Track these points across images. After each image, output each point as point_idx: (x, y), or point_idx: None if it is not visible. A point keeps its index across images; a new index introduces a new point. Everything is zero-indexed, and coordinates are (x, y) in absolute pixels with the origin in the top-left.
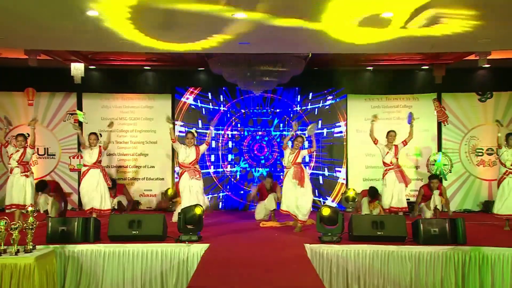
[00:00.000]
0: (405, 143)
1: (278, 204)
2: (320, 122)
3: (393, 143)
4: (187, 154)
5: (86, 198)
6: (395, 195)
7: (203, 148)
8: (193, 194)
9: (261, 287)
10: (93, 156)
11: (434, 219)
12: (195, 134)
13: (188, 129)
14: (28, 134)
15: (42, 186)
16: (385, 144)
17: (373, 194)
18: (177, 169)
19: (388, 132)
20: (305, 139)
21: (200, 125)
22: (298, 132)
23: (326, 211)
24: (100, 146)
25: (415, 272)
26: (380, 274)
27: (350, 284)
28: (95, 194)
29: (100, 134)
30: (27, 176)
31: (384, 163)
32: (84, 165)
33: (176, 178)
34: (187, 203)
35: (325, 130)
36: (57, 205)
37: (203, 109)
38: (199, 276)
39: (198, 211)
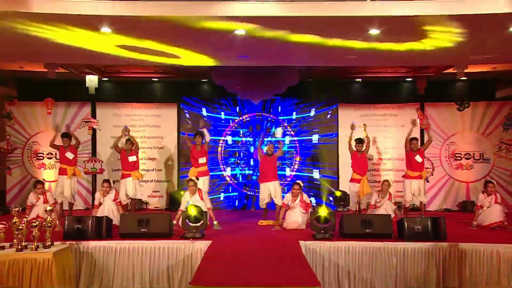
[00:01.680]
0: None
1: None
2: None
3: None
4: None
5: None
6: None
7: (205, 188)
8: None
9: (259, 279)
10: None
11: (417, 217)
12: (197, 183)
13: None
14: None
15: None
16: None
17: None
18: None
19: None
20: (302, 186)
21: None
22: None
23: (324, 212)
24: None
25: (400, 266)
26: (368, 268)
27: (340, 277)
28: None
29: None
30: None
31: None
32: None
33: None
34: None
35: (317, 136)
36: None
37: (206, 117)
38: (203, 270)
39: (189, 211)
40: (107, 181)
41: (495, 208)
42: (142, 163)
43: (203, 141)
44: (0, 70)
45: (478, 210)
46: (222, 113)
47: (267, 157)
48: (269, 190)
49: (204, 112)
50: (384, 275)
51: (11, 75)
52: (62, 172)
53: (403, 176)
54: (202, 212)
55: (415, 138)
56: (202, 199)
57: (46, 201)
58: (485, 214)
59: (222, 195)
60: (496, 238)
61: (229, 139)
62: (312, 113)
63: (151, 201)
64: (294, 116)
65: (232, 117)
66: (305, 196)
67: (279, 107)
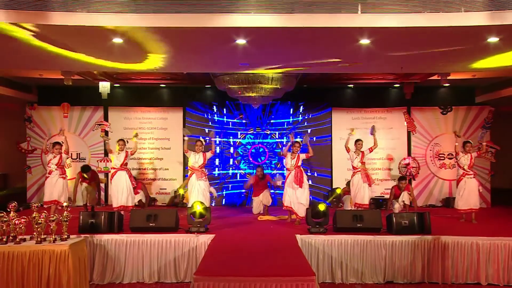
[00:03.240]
0: (370, 150)
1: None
2: (309, 130)
3: (360, 150)
4: (196, 159)
5: (115, 197)
6: (360, 193)
7: (209, 155)
8: (199, 192)
9: (259, 270)
10: (120, 159)
11: (404, 213)
12: (203, 142)
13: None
14: (62, 142)
15: (86, 169)
16: (353, 151)
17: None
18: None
19: (356, 141)
20: (301, 144)
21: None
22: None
23: (322, 207)
24: (127, 151)
25: (389, 257)
26: (359, 259)
27: (334, 268)
28: (122, 193)
29: (127, 141)
30: (63, 178)
31: (353, 167)
32: (112, 168)
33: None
34: (194, 200)
35: (314, 138)
36: (93, 193)
37: (209, 120)
38: (207, 261)
39: (194, 207)
40: (122, 140)
41: (474, 194)
42: (150, 162)
43: (208, 148)
44: (23, 78)
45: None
46: (225, 116)
47: (259, 180)
48: (260, 200)
49: (206, 115)
50: (374, 265)
51: (32, 82)
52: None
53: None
54: (206, 208)
55: (359, 140)
56: (204, 159)
57: (61, 160)
58: (463, 197)
59: (224, 192)
60: (475, 231)
61: (231, 140)
62: (308, 116)
63: (158, 198)
64: (291, 119)
65: (234, 120)
66: (302, 155)
67: (278, 111)
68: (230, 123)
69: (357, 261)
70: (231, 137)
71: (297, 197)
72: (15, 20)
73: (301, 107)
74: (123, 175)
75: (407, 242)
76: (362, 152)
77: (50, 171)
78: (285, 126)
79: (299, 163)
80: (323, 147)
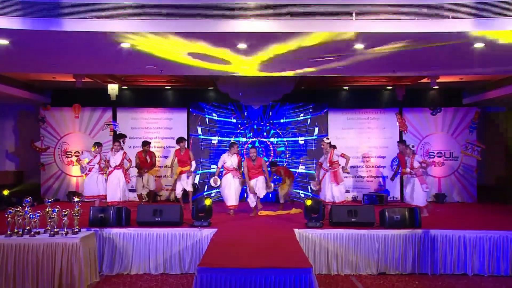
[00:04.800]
0: (342, 155)
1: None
2: (317, 129)
3: (327, 150)
4: (231, 162)
5: (109, 194)
6: (328, 192)
7: (238, 158)
8: (233, 189)
9: (259, 261)
10: (116, 160)
11: (396, 208)
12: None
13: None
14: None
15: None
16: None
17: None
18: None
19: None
20: (330, 143)
21: (209, 133)
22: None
23: (308, 202)
24: (124, 152)
25: (382, 250)
26: (354, 252)
27: (330, 260)
28: (116, 190)
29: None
30: (102, 174)
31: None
32: (110, 167)
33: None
34: (228, 195)
35: (303, 138)
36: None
37: (212, 120)
38: (210, 253)
39: (207, 202)
40: (118, 141)
41: (419, 192)
42: (157, 160)
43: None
44: (37, 81)
45: (319, 167)
46: (226, 117)
47: (252, 163)
48: (252, 186)
49: (208, 116)
50: (367, 258)
51: (46, 84)
52: None
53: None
54: (208, 204)
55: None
56: (239, 158)
57: (101, 160)
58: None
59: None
60: (463, 225)
61: (233, 139)
62: (306, 116)
63: (164, 194)
64: (289, 119)
65: (235, 120)
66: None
67: (278, 112)
68: (232, 123)
69: (351, 254)
70: (233, 136)
71: (332, 193)
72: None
73: (299, 108)
74: (118, 174)
75: (399, 236)
76: (330, 152)
77: (90, 168)
78: (284, 126)
79: (334, 159)
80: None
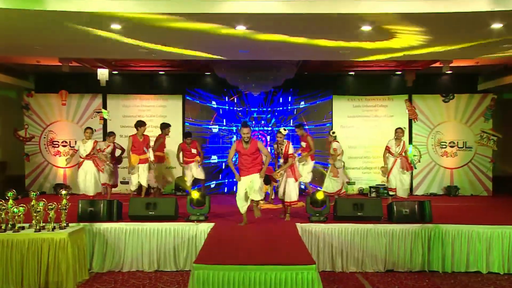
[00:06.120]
0: (303, 149)
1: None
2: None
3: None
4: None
5: (80, 186)
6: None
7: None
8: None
9: (259, 258)
10: (87, 149)
11: (405, 201)
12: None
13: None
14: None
15: (165, 125)
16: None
17: None
18: None
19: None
20: (404, 130)
21: (205, 121)
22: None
23: (320, 196)
24: (95, 141)
25: (389, 246)
26: (359, 248)
27: (334, 256)
28: (87, 182)
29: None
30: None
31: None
32: (80, 157)
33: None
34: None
35: (314, 126)
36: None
37: (209, 107)
38: (206, 250)
39: (195, 195)
40: (89, 128)
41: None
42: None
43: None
44: (19, 64)
45: (386, 152)
46: (226, 105)
47: (243, 146)
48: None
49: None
50: (374, 254)
51: (29, 69)
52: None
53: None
54: (204, 196)
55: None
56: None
57: (115, 149)
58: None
59: (226, 180)
60: (476, 220)
61: (233, 128)
62: (309, 104)
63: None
64: (292, 106)
65: (234, 107)
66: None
67: (280, 99)
68: (230, 111)
69: (357, 250)
70: (233, 123)
71: (402, 183)
72: None
73: (302, 94)
74: (89, 164)
75: (408, 231)
76: (286, 146)
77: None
78: (286, 114)
79: (406, 148)
80: (324, 135)
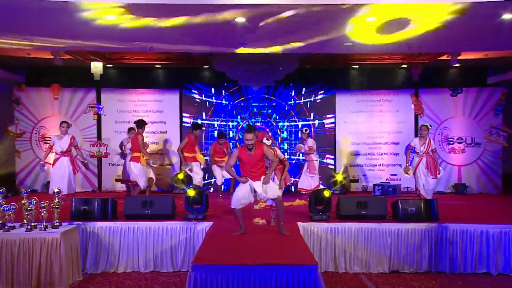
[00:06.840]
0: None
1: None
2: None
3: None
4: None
5: (53, 185)
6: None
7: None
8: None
9: (258, 259)
10: (62, 145)
11: (411, 199)
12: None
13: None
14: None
15: (197, 126)
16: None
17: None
18: None
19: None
20: (429, 128)
21: (204, 117)
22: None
23: (327, 193)
24: (72, 137)
25: (394, 246)
26: (363, 248)
27: (337, 256)
28: (61, 181)
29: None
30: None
31: None
32: (56, 153)
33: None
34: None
35: (316, 122)
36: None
37: (207, 102)
38: (205, 249)
39: (190, 193)
40: (65, 122)
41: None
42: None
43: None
44: (9, 57)
45: (410, 150)
46: (226, 99)
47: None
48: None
49: (203, 97)
50: (378, 254)
51: (20, 61)
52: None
53: None
54: (202, 194)
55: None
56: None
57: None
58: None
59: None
60: (485, 219)
61: (230, 123)
62: (312, 98)
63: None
64: (293, 101)
65: (233, 102)
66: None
67: (281, 93)
68: (230, 105)
69: (361, 250)
70: (234, 117)
71: (428, 184)
72: None
73: (304, 89)
74: (65, 162)
75: (414, 230)
76: (273, 147)
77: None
78: (287, 109)
79: (432, 147)
80: (327, 131)
